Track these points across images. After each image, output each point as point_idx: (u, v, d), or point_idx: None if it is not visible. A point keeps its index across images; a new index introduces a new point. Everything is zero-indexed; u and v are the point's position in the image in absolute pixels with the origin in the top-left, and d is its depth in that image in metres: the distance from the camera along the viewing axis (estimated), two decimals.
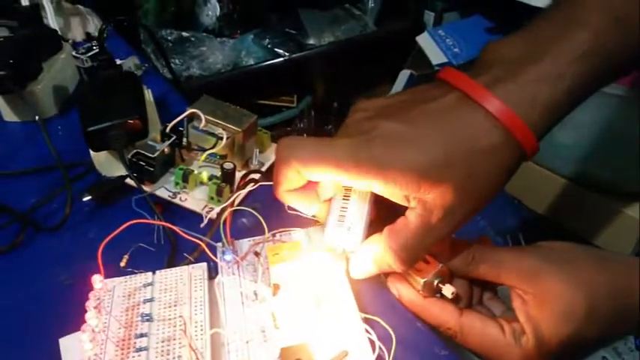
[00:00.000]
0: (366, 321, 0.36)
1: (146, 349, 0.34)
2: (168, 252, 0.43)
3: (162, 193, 0.48)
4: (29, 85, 0.58)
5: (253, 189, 0.47)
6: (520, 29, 0.35)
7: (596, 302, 0.34)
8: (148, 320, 0.35)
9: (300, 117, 1.47)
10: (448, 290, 0.37)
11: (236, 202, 0.45)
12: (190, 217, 0.46)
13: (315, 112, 1.48)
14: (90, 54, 0.57)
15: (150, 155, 0.48)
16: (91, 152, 0.51)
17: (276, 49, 1.44)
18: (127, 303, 0.37)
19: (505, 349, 0.35)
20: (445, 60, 1.27)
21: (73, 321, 0.34)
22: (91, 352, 0.33)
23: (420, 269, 0.37)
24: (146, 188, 0.48)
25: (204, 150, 0.50)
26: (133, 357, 0.33)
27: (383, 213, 0.38)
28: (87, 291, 0.34)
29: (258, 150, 0.52)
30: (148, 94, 0.58)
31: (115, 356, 0.33)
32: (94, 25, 0.77)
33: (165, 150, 0.49)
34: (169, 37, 1.40)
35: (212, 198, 0.47)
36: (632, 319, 0.35)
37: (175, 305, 0.36)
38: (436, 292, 0.38)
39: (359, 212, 0.37)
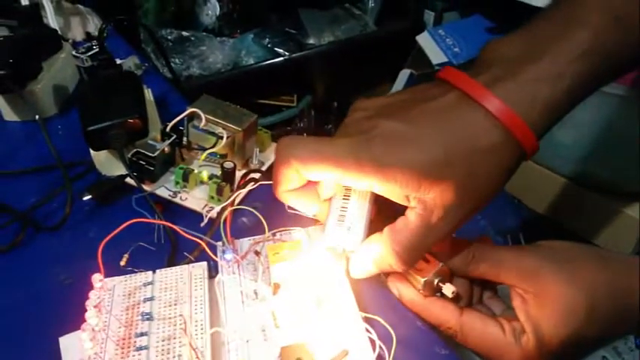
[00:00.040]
0: (367, 320, 0.36)
1: (146, 347, 0.34)
2: (169, 251, 0.43)
3: (163, 192, 0.48)
4: (29, 84, 0.58)
5: (253, 188, 0.47)
6: (520, 28, 0.35)
7: (597, 301, 0.34)
8: (148, 319, 0.35)
9: (300, 116, 1.47)
10: (448, 289, 0.37)
11: (236, 202, 0.45)
12: (190, 217, 0.46)
13: (315, 111, 1.48)
14: (90, 53, 0.57)
15: (150, 154, 0.48)
16: (91, 151, 0.51)
17: (276, 49, 1.44)
18: (127, 302, 0.37)
19: (505, 348, 0.35)
20: (445, 59, 1.27)
21: (73, 320, 0.34)
22: (91, 350, 0.33)
23: (420, 268, 0.37)
24: (146, 187, 0.48)
25: (205, 149, 0.50)
26: (133, 356, 0.33)
27: (383, 213, 0.38)
28: (87, 290, 0.34)
29: (258, 149, 0.52)
30: (148, 94, 0.58)
31: (115, 355, 0.33)
32: (94, 24, 0.77)
33: (166, 149, 0.49)
34: (169, 37, 1.40)
35: (212, 197, 0.47)
36: (632, 319, 0.35)
37: (175, 304, 0.36)
38: (436, 292, 0.38)
39: (359, 212, 0.37)
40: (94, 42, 0.57)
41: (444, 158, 0.32)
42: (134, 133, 0.49)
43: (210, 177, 0.49)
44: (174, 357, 0.33)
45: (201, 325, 0.35)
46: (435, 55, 1.29)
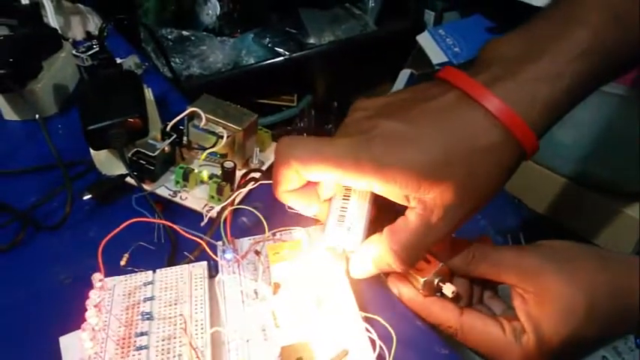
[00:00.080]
0: (367, 320, 0.36)
1: (146, 347, 0.34)
2: (169, 251, 0.43)
3: (163, 191, 0.48)
4: (29, 83, 0.58)
5: (253, 188, 0.47)
6: (519, 27, 0.35)
7: (596, 301, 0.34)
8: (148, 319, 0.35)
9: (301, 116, 1.47)
10: (448, 289, 0.37)
11: (236, 201, 0.45)
12: (191, 216, 0.46)
13: (315, 111, 1.48)
14: (90, 53, 0.57)
15: (150, 154, 0.48)
16: (92, 151, 0.51)
17: (276, 49, 1.44)
18: (127, 301, 0.37)
19: (505, 347, 0.35)
20: (445, 59, 1.27)
21: (74, 319, 0.34)
22: (92, 350, 0.33)
23: (420, 268, 0.37)
24: (146, 187, 0.48)
25: (205, 149, 0.50)
26: (134, 355, 0.33)
27: (383, 213, 0.38)
28: (87, 289, 0.34)
29: (258, 149, 0.52)
30: (149, 93, 0.58)
31: (115, 355, 0.33)
32: (94, 23, 0.77)
33: (166, 149, 0.49)
34: (169, 36, 1.40)
35: (212, 197, 0.47)
36: (632, 319, 0.35)
37: (176, 304, 0.36)
38: (436, 291, 0.38)
39: (359, 212, 0.37)
40: (95, 41, 0.57)
41: (443, 158, 0.32)
42: (134, 132, 0.49)
43: (211, 176, 0.49)
44: (174, 356, 0.33)
45: (202, 324, 0.35)
46: (436, 54, 1.29)
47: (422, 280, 0.37)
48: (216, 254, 0.39)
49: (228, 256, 0.39)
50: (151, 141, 0.49)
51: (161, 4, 1.42)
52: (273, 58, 1.40)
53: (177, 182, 0.49)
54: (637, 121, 0.93)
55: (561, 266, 0.35)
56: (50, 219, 0.47)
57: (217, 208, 0.45)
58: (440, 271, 0.37)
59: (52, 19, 0.71)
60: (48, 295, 0.41)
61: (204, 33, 1.45)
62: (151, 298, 0.37)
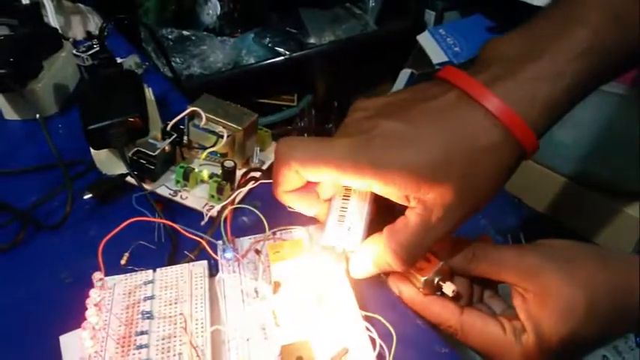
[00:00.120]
0: (367, 319, 0.36)
1: (147, 346, 0.34)
2: (169, 250, 0.43)
3: (163, 191, 0.49)
4: (30, 83, 0.58)
5: (254, 187, 0.47)
6: (519, 27, 0.35)
7: (597, 300, 0.34)
8: (148, 318, 0.35)
9: (301, 116, 1.47)
10: (449, 288, 0.37)
11: (237, 200, 0.45)
12: (191, 215, 0.46)
13: (315, 111, 1.48)
14: (90, 52, 0.57)
15: (150, 153, 0.48)
16: (92, 150, 0.51)
17: (276, 48, 1.44)
18: (127, 300, 0.37)
19: (506, 346, 0.35)
20: (446, 59, 1.27)
21: (74, 318, 0.34)
22: (92, 349, 0.33)
23: (420, 267, 0.37)
24: (147, 186, 0.48)
25: (205, 148, 0.50)
26: (134, 354, 0.33)
27: (383, 213, 0.38)
28: (87, 288, 0.35)
29: (258, 148, 0.53)
30: (149, 93, 0.58)
31: (115, 353, 0.33)
32: (94, 23, 0.77)
33: (166, 148, 0.49)
34: (170, 36, 1.40)
35: (213, 196, 0.47)
36: (633, 318, 0.35)
37: (176, 303, 0.36)
38: (437, 290, 0.38)
39: (359, 212, 0.37)
40: (95, 41, 0.57)
41: (443, 158, 0.32)
42: (135, 131, 0.49)
43: (211, 176, 0.49)
44: (174, 355, 0.33)
45: (202, 323, 0.35)
46: (436, 54, 1.29)
47: (422, 279, 0.37)
48: (216, 253, 0.39)
49: (229, 255, 0.39)
50: (151, 140, 0.49)
51: (161, 4, 1.42)
52: (273, 58, 1.40)
53: (177, 181, 0.49)
54: (637, 121, 0.93)
55: (561, 265, 0.35)
56: (51, 218, 0.47)
57: (217, 207, 0.45)
58: (440, 270, 0.37)
59: (52, 18, 0.71)
60: (48, 294, 0.41)
61: (205, 33, 1.45)
62: (152, 297, 0.37)
